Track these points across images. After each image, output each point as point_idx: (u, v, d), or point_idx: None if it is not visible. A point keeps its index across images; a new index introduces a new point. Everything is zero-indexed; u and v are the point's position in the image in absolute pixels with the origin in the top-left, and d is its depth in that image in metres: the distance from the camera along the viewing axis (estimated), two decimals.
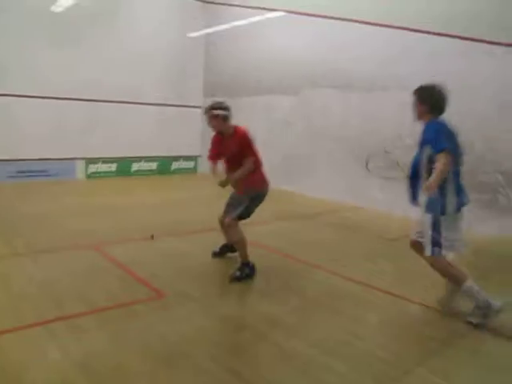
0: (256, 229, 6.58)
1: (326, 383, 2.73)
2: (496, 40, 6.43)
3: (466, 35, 6.69)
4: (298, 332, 3.39)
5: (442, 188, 3.48)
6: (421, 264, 4.87)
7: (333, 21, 8.72)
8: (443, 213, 3.53)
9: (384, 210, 7.83)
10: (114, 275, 4.41)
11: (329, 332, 3.41)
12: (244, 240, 4.55)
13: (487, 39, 6.51)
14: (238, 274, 4.44)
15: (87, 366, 2.79)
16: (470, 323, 3.55)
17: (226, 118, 4.54)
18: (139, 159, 11.96)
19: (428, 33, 7.16)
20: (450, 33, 6.88)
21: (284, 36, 10.15)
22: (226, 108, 4.55)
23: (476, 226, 6.59)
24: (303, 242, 6.02)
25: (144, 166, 12.11)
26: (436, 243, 3.56)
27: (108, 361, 2.88)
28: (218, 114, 4.51)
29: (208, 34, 12.35)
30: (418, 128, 7.88)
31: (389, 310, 3.92)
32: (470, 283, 3.54)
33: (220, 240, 5.17)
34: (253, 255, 5.02)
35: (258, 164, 4.67)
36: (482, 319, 3.52)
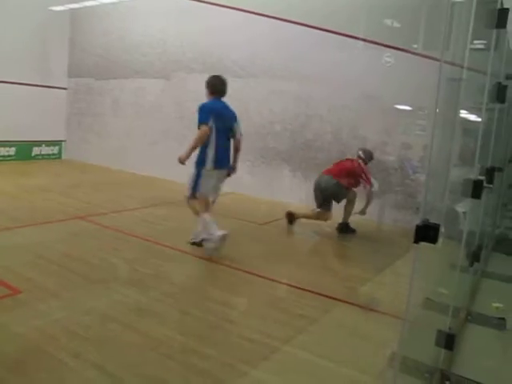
0: (124, 216, 6.35)
1: (195, 368, 2.71)
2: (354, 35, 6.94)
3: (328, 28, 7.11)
4: (168, 319, 3.32)
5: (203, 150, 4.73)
6: (288, 246, 5.11)
7: (207, 5, 8.63)
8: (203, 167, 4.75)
9: (252, 194, 8.05)
10: None
11: (199, 317, 3.39)
12: None
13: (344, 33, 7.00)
14: None
15: None
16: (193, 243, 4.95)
17: None
18: None
19: (301, 24, 7.43)
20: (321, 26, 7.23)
21: (156, 18, 9.81)
22: None
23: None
24: (170, 228, 5.93)
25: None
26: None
27: None
28: None
29: (73, 10, 11.42)
30: (287, 115, 8.25)
31: (257, 291, 4.02)
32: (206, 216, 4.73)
33: (75, 229, 4.84)
34: (119, 243, 4.82)
35: None
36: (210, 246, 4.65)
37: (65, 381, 2.54)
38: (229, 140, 5.00)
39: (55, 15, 11.31)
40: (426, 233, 1.54)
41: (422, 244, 1.56)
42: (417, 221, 1.57)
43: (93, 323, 3.18)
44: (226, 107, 4.95)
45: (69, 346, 2.84)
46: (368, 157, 6.30)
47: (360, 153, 6.28)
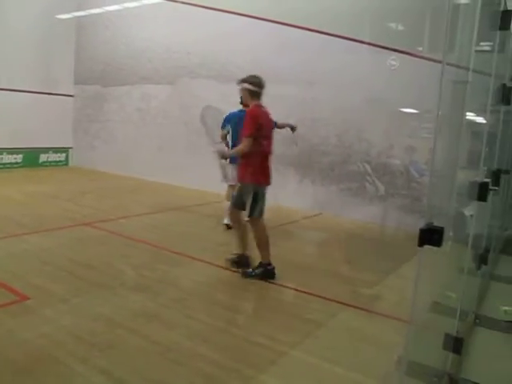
0: (131, 222, 6.37)
1: (202, 372, 2.71)
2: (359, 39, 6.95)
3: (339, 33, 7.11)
4: (176, 324, 3.33)
5: None
6: (293, 251, 5.11)
7: (211, 11, 8.69)
8: None
9: None
10: None
11: (207, 322, 3.40)
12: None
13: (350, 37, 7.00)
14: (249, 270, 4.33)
15: None
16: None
17: (251, 93, 4.35)
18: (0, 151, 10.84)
19: (307, 29, 7.46)
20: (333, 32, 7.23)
21: (161, 24, 9.88)
22: (254, 83, 4.35)
23: (347, 212, 7.10)
24: (179, 233, 5.94)
25: (7, 158, 11.00)
26: None
27: None
28: (243, 88, 4.36)
29: (79, 18, 11.56)
30: (291, 119, 8.23)
31: (264, 295, 4.03)
32: None
33: (82, 235, 4.86)
34: (126, 249, 4.82)
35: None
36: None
37: None
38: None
39: (61, 23, 11.43)
40: (431, 236, 1.53)
41: (429, 247, 1.55)
42: (421, 224, 1.57)
43: (100, 329, 3.19)
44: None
45: (76, 351, 2.86)
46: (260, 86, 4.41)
47: (245, 85, 4.35)
